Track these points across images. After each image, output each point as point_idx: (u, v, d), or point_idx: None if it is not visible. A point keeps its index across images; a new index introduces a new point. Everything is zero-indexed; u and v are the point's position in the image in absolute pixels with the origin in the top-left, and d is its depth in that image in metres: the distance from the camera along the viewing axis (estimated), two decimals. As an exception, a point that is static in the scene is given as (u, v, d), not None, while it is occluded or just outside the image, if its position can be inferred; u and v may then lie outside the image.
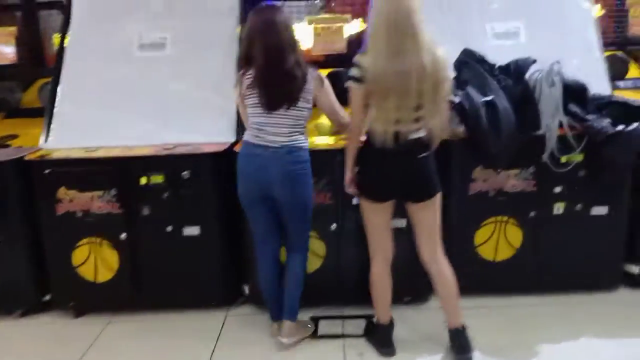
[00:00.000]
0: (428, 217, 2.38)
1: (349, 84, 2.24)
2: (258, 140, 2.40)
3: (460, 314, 2.46)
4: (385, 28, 2.09)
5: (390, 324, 2.59)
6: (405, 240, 2.58)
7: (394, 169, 2.26)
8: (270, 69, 2.33)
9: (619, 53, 3.54)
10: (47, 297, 3.02)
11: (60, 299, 3.01)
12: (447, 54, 2.19)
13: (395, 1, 2.07)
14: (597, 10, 3.47)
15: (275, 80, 2.33)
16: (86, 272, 2.91)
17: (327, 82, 2.45)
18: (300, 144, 2.43)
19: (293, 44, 2.36)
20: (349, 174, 2.42)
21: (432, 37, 2.13)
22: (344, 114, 2.49)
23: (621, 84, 3.33)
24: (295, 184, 2.42)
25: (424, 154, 2.25)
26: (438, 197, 2.35)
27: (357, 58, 2.22)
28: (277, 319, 2.68)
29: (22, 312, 3.03)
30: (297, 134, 2.41)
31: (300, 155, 2.42)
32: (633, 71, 3.48)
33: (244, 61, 2.41)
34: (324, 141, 2.84)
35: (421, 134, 2.22)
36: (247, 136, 2.47)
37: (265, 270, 2.62)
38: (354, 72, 2.20)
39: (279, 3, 3.60)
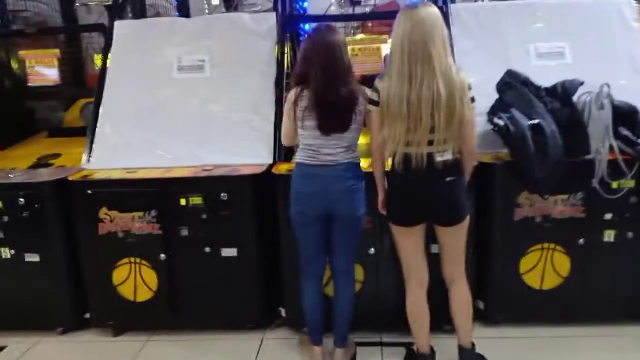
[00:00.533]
0: (454, 240, 2.37)
1: (368, 106, 2.30)
2: (315, 161, 2.39)
3: (470, 334, 2.48)
4: (399, 54, 2.13)
5: (431, 354, 2.53)
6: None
7: (420, 192, 2.25)
8: (329, 93, 2.29)
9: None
10: (87, 315, 3.05)
11: (100, 317, 3.04)
12: (466, 78, 2.17)
13: (410, 29, 2.10)
14: (642, 29, 3.36)
15: (333, 106, 2.30)
16: (126, 291, 2.94)
17: None
18: (356, 161, 2.44)
19: (350, 67, 2.36)
20: (380, 195, 2.43)
21: (450, 63, 2.14)
22: None
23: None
24: (354, 199, 2.42)
25: (452, 178, 2.22)
26: (466, 221, 2.33)
27: (375, 81, 2.26)
28: (318, 343, 2.64)
29: (62, 329, 3.07)
30: (352, 151, 2.42)
31: (357, 170, 2.44)
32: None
33: (299, 80, 2.37)
34: (363, 163, 2.81)
35: (447, 156, 2.20)
36: (301, 157, 2.44)
37: (310, 293, 2.59)
38: (372, 95, 2.26)
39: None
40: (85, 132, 3.25)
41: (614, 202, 2.63)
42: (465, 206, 2.30)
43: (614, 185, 2.61)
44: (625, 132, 2.58)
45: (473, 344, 2.50)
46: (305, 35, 2.45)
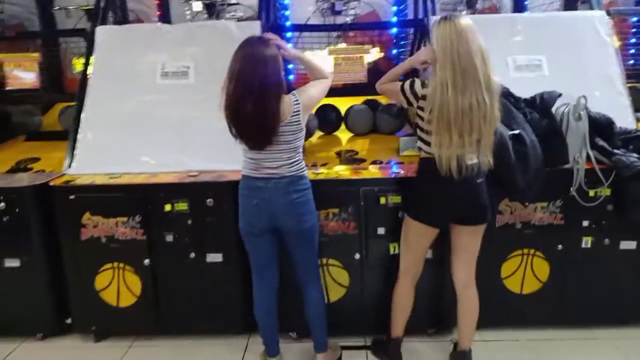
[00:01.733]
0: (474, 242, 2.48)
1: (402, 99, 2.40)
2: (257, 173, 2.37)
3: (471, 339, 2.59)
4: (449, 66, 2.20)
5: (402, 338, 2.68)
6: (432, 272, 2.62)
7: (455, 193, 2.35)
8: (247, 108, 2.21)
9: (638, 85, 3.56)
10: (69, 321, 3.01)
11: (82, 323, 3.00)
12: (499, 83, 2.29)
13: (457, 41, 2.19)
14: (615, 43, 3.50)
15: (254, 121, 2.23)
16: (108, 297, 2.92)
17: (304, 96, 2.36)
18: (301, 173, 2.41)
19: (278, 82, 2.24)
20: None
21: (490, 74, 2.24)
22: (321, 75, 2.48)
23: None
24: (300, 212, 2.40)
25: (481, 179, 2.35)
26: (485, 225, 2.44)
27: (422, 89, 2.32)
28: (273, 354, 2.66)
29: (43, 334, 3.03)
30: (296, 163, 2.39)
31: (302, 183, 2.41)
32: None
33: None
34: (348, 171, 2.85)
35: (475, 160, 2.31)
36: (245, 170, 2.42)
37: (262, 304, 2.59)
38: (420, 91, 2.33)
39: (296, 34, 3.68)
40: (64, 136, 3.23)
41: (591, 210, 2.73)
42: (490, 208, 2.43)
43: (591, 193, 2.71)
44: (601, 142, 2.69)
45: (470, 350, 2.59)
46: (237, 49, 2.29)
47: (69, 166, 3.08)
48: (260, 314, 2.59)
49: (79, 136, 3.16)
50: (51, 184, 2.86)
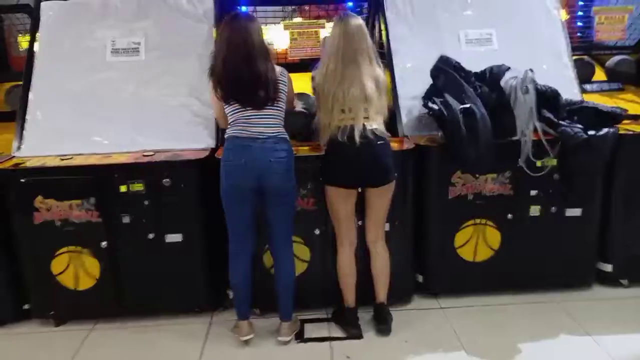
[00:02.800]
0: (381, 202, 2.66)
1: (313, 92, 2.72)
2: (245, 134, 2.47)
3: (385, 291, 2.78)
4: (334, 58, 2.54)
5: (356, 307, 2.79)
6: (389, 246, 2.73)
7: (357, 156, 2.50)
8: (244, 69, 2.42)
9: (585, 57, 3.69)
10: (27, 306, 2.96)
11: (40, 308, 2.96)
12: (383, 74, 2.62)
13: (343, 38, 2.52)
14: (563, 15, 3.59)
15: (252, 84, 2.43)
16: (66, 281, 2.87)
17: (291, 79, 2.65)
18: (284, 135, 2.55)
19: (266, 49, 2.49)
20: None
21: (373, 67, 2.56)
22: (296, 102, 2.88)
23: (587, 87, 3.47)
24: (285, 170, 2.51)
25: (382, 142, 2.52)
26: (392, 186, 2.61)
27: (313, 73, 2.67)
28: (245, 318, 2.72)
29: (0, 321, 2.97)
30: (279, 125, 2.53)
31: (286, 145, 2.53)
32: (598, 75, 3.64)
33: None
34: (307, 148, 2.88)
35: (375, 126, 2.52)
36: (231, 132, 2.51)
37: (238, 271, 2.64)
38: (313, 84, 2.69)
39: (250, 9, 3.65)
40: (11, 117, 3.12)
41: (539, 180, 2.83)
42: (393, 169, 2.58)
43: (538, 164, 2.81)
44: (548, 114, 2.79)
45: (386, 302, 2.78)
46: (222, 22, 2.52)
47: (18, 148, 2.99)
48: (237, 281, 2.65)
49: (27, 117, 3.06)
50: (0, 167, 2.77)
